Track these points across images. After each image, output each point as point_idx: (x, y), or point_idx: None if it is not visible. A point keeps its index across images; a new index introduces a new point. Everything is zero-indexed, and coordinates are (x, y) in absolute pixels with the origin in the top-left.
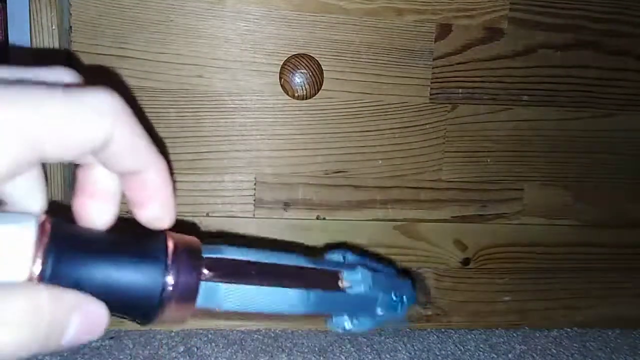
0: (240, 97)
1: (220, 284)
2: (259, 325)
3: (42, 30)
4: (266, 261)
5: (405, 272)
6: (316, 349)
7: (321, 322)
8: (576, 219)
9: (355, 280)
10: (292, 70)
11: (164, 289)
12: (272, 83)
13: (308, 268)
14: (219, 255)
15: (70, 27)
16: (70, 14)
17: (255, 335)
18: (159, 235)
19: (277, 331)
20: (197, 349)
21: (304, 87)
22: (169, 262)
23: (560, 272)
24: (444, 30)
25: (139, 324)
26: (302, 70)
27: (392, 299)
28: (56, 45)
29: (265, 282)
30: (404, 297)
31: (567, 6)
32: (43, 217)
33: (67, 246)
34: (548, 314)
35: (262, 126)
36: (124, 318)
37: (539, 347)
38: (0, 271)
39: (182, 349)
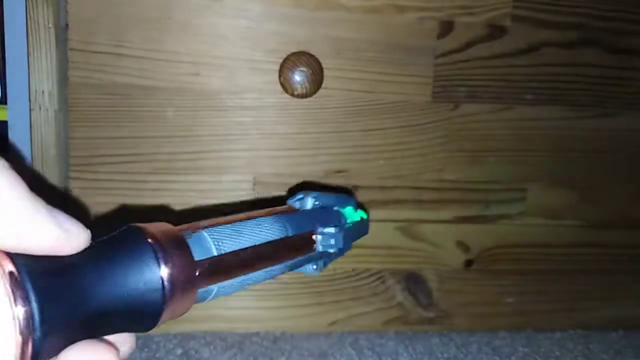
0: (238, 96)
1: (213, 286)
2: (258, 328)
3: (39, 28)
4: (250, 244)
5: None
6: (316, 352)
7: (322, 324)
8: (580, 220)
9: (329, 245)
10: (291, 68)
11: (164, 286)
12: (272, 81)
13: (288, 239)
14: (207, 255)
15: (67, 24)
16: (67, 12)
17: (254, 338)
18: (138, 236)
19: (277, 334)
20: (195, 351)
21: (303, 86)
22: (161, 261)
23: (564, 273)
24: (447, 27)
25: (141, 331)
26: (302, 68)
27: (348, 244)
28: (52, 43)
29: (254, 269)
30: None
31: (570, 4)
32: (10, 265)
33: (43, 275)
34: (551, 316)
35: (261, 125)
36: (127, 331)
37: (542, 349)
38: None
39: (180, 352)
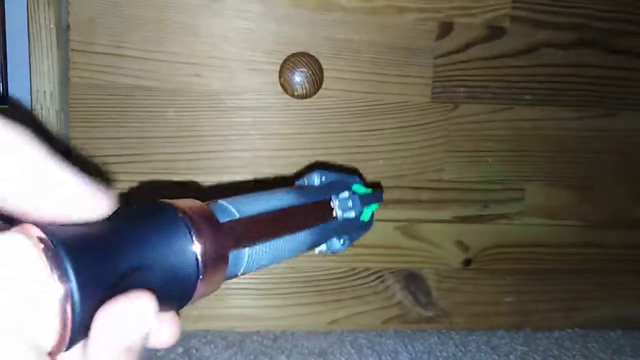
0: (239, 96)
1: (245, 249)
2: (258, 327)
3: (40, 29)
4: (271, 208)
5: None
6: (316, 350)
7: (322, 323)
8: (578, 220)
9: (347, 208)
10: (291, 69)
11: (198, 260)
12: (272, 82)
13: (306, 205)
14: (231, 218)
15: (68, 25)
16: (68, 13)
17: (255, 337)
18: (168, 210)
19: (277, 333)
20: (196, 350)
21: (303, 86)
22: (193, 233)
23: (562, 272)
24: (446, 28)
25: (175, 309)
26: (302, 69)
27: (369, 214)
28: (54, 43)
29: (279, 233)
30: (373, 209)
31: (569, 4)
32: (24, 225)
33: (79, 249)
34: (550, 315)
35: (261, 125)
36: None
37: (541, 348)
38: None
39: (180, 351)
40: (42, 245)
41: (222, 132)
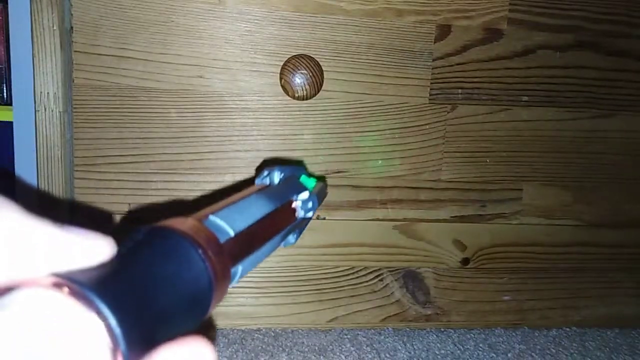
0: (240, 98)
1: (239, 265)
2: (259, 325)
3: (43, 31)
4: (254, 219)
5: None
6: (316, 348)
7: (322, 321)
8: (575, 219)
9: (307, 209)
10: (292, 71)
11: (211, 284)
12: (273, 84)
13: (277, 210)
14: (228, 237)
15: (72, 27)
16: (72, 15)
17: (256, 335)
18: (178, 238)
19: (278, 330)
20: None
21: (304, 88)
22: (206, 260)
23: (559, 271)
24: (444, 31)
25: (192, 327)
26: (303, 71)
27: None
28: (57, 45)
29: (264, 243)
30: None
31: (566, 7)
32: (32, 278)
33: (105, 289)
34: (547, 314)
35: (262, 126)
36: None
37: (538, 346)
38: None
39: None
40: (66, 290)
41: (224, 133)
